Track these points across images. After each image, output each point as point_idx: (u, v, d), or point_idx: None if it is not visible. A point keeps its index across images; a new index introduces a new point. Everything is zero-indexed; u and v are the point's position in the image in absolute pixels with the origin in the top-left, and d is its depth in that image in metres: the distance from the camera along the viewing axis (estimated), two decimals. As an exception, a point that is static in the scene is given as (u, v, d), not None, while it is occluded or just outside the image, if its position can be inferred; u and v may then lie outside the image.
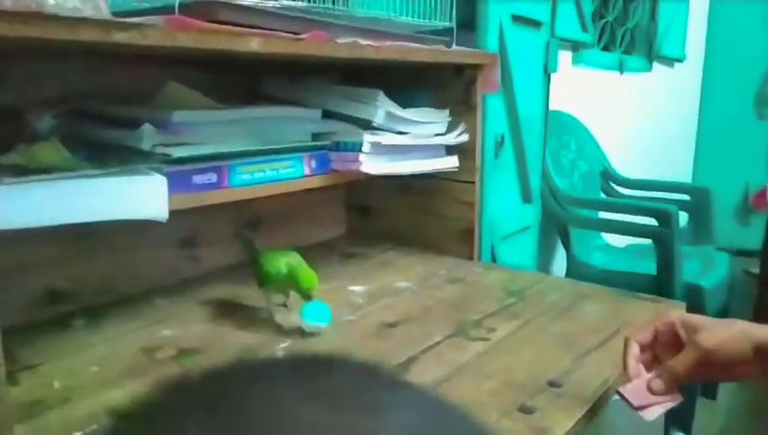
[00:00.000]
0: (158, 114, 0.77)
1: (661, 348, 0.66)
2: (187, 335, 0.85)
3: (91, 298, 0.95)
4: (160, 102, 0.83)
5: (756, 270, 2.77)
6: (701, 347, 0.61)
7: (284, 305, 0.91)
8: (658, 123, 2.88)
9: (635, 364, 0.65)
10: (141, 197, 0.70)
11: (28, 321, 0.87)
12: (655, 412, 0.63)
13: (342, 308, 0.94)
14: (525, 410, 0.66)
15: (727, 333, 0.62)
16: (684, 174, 3.45)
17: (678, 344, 0.64)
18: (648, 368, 0.65)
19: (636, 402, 0.62)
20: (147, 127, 0.74)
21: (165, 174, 0.74)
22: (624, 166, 2.29)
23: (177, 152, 0.75)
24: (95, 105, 0.85)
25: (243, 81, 1.10)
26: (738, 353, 0.61)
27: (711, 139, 3.42)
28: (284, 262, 0.85)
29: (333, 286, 1.04)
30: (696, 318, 0.65)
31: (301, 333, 0.85)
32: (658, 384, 0.63)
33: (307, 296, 0.83)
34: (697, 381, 0.65)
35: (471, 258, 1.19)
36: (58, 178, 0.63)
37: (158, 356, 0.79)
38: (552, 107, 1.61)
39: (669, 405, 0.63)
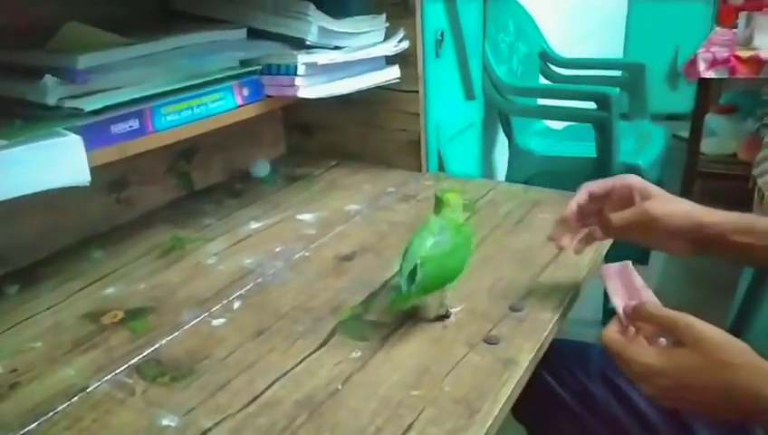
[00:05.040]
0: (60, 60, 0.67)
1: (611, 205, 0.69)
2: (132, 293, 0.80)
3: (19, 259, 0.88)
4: (59, 46, 0.71)
5: (684, 134, 2.88)
6: (647, 212, 0.65)
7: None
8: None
9: (575, 207, 0.69)
10: (57, 163, 0.62)
11: (-47, 294, 0.80)
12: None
13: (295, 244, 0.90)
14: (491, 340, 0.66)
15: (675, 208, 0.66)
16: (616, 44, 3.44)
17: (629, 206, 0.67)
18: (590, 216, 0.70)
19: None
20: (49, 79, 0.64)
21: (79, 130, 0.65)
22: (561, 45, 2.24)
23: (89, 104, 0.66)
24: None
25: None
26: (677, 228, 0.65)
27: (642, 4, 3.39)
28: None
29: (281, 217, 1.00)
30: (654, 188, 0.68)
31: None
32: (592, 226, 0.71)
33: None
34: (633, 240, 0.69)
35: (419, 169, 1.16)
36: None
37: (104, 322, 0.75)
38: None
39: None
